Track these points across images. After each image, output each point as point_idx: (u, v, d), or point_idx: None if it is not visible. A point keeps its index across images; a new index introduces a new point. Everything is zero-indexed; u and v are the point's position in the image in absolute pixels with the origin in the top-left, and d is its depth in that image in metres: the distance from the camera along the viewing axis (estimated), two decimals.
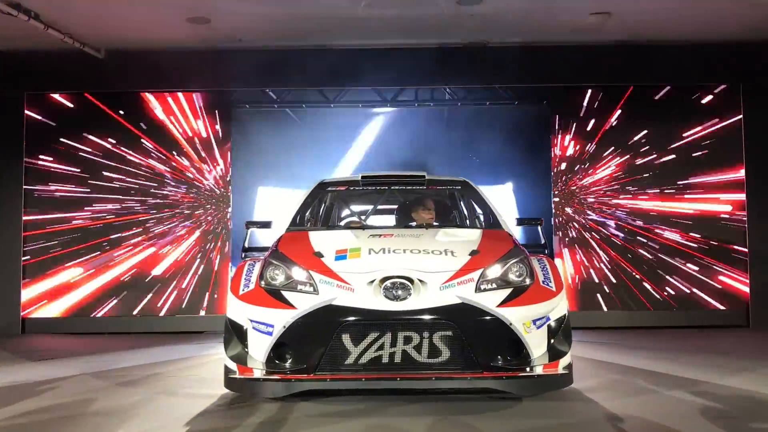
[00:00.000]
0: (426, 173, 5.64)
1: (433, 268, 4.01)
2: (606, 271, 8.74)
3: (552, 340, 3.97)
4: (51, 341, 7.89)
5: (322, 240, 4.55)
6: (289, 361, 3.89)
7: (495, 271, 4.07)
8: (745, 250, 8.61)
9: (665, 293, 8.67)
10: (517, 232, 5.84)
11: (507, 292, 3.96)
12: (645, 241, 8.74)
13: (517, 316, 3.83)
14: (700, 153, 8.72)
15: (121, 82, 8.86)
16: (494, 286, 3.99)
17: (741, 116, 8.71)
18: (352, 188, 5.74)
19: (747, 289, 8.59)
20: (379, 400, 4.10)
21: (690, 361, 5.92)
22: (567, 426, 3.66)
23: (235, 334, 4.05)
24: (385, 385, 3.82)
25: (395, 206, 6.01)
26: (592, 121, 8.85)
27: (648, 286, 8.69)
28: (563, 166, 8.79)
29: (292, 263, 4.16)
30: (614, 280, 8.70)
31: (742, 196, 8.68)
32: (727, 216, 8.70)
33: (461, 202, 5.82)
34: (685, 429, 3.53)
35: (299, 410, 3.92)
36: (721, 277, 8.67)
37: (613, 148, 8.81)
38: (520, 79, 8.96)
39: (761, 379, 5.03)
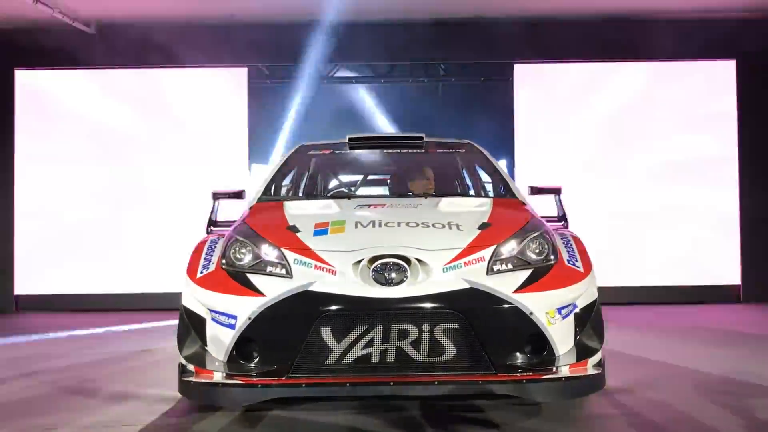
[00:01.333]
0: (425, 135, 4.86)
1: (435, 245, 3.23)
2: (596, 245, 8.65)
3: (579, 334, 3.22)
4: (45, 319, 7.84)
5: (299, 211, 3.82)
6: (256, 361, 3.09)
7: (510, 248, 3.27)
8: (737, 227, 8.64)
9: (657, 269, 8.65)
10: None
11: (526, 274, 3.19)
12: (636, 215, 8.69)
13: (539, 304, 3.09)
14: (694, 129, 8.70)
15: (111, 57, 8.75)
16: (510, 266, 3.21)
17: (735, 92, 8.72)
18: (337, 152, 4.96)
19: (738, 266, 8.63)
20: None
21: (683, 336, 5.89)
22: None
23: (192, 326, 3.28)
24: (374, 391, 3.01)
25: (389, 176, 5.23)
26: (584, 97, 8.81)
27: (638, 262, 8.67)
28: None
29: (260, 239, 3.36)
30: (604, 255, 8.64)
31: (735, 174, 8.67)
32: (720, 193, 8.67)
33: (465, 169, 5.07)
34: (681, 405, 3.48)
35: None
36: (712, 254, 8.67)
37: (607, 121, 8.76)
38: (518, 54, 8.90)
39: (755, 353, 5.02)
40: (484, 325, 3.00)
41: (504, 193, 4.31)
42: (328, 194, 4.95)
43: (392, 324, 2.99)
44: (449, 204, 3.93)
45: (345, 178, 5.46)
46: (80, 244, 8.67)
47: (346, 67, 9.31)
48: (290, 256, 3.21)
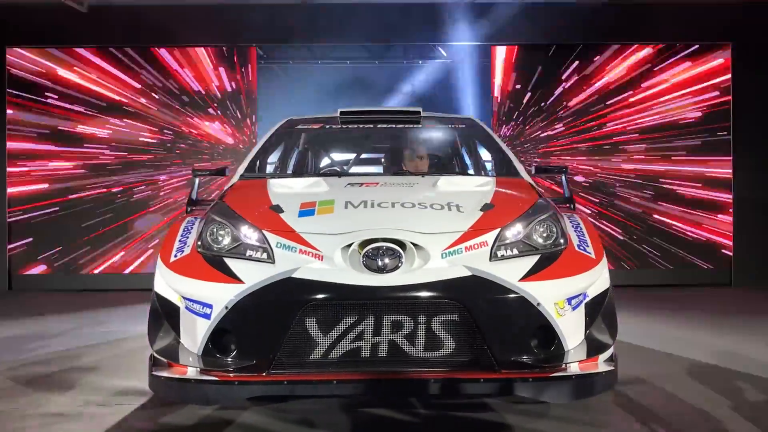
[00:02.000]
0: (422, 109, 4.55)
1: (433, 227, 2.94)
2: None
3: (590, 326, 2.94)
4: (40, 298, 7.82)
5: (284, 190, 3.52)
6: (233, 355, 2.78)
7: (516, 231, 2.98)
8: (730, 210, 8.60)
9: (648, 252, 8.62)
10: None
11: (533, 260, 2.90)
12: (629, 199, 8.66)
13: (547, 294, 2.80)
14: (687, 112, 8.63)
15: (103, 37, 8.63)
16: (515, 252, 2.91)
17: (730, 75, 8.63)
18: (327, 127, 4.65)
19: (730, 249, 8.60)
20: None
21: (674, 319, 5.89)
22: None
23: (165, 315, 2.97)
24: (363, 389, 2.74)
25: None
26: (578, 78, 8.73)
27: (631, 245, 8.64)
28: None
29: (240, 220, 3.05)
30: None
31: (729, 157, 8.62)
32: (713, 177, 8.62)
33: (465, 147, 4.75)
34: (676, 389, 3.50)
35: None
36: (705, 237, 8.64)
37: (600, 105, 8.67)
38: (514, 37, 8.79)
39: (748, 337, 5.03)
40: (486, 317, 2.71)
41: (507, 172, 3.98)
42: (318, 172, 4.63)
43: (384, 315, 2.70)
44: (448, 183, 3.60)
45: (336, 154, 5.07)
46: (77, 222, 8.57)
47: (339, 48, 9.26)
48: (272, 239, 2.91)
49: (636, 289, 8.17)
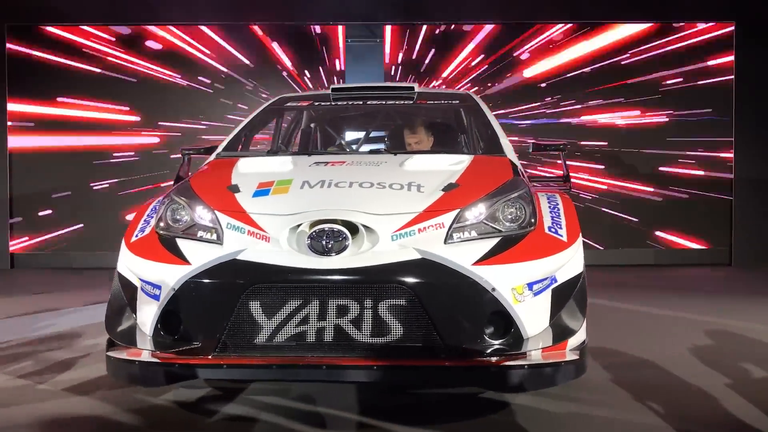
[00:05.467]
0: (417, 85, 4.38)
1: (386, 209, 2.79)
2: (584, 206, 8.47)
3: (558, 312, 2.77)
4: (41, 276, 7.81)
5: (248, 169, 3.39)
6: (181, 337, 2.72)
7: (477, 212, 2.83)
8: (730, 189, 8.45)
9: (647, 231, 8.47)
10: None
11: (492, 243, 2.74)
12: (627, 176, 8.50)
13: (503, 278, 2.64)
14: (688, 92, 8.44)
15: (107, 13, 8.50)
16: (474, 234, 2.77)
17: (733, 56, 8.44)
18: (317, 104, 4.54)
19: (730, 228, 8.45)
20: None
21: (674, 300, 5.81)
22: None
23: (124, 296, 2.92)
24: (304, 375, 2.62)
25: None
26: (571, 57, 8.58)
27: (629, 224, 8.48)
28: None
29: (197, 200, 2.97)
30: (593, 216, 8.47)
31: (730, 138, 8.43)
32: (713, 155, 8.45)
33: (458, 124, 4.58)
34: (674, 369, 3.47)
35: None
36: (704, 216, 8.47)
37: (600, 84, 8.49)
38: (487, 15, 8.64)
39: (748, 317, 4.96)
40: (435, 303, 2.57)
41: (492, 149, 3.76)
42: (310, 151, 4.48)
43: (330, 299, 2.58)
44: (419, 162, 3.47)
45: (326, 133, 4.88)
46: (81, 201, 8.54)
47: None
48: (224, 219, 2.83)
49: (636, 269, 8.19)
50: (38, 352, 3.98)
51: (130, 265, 2.92)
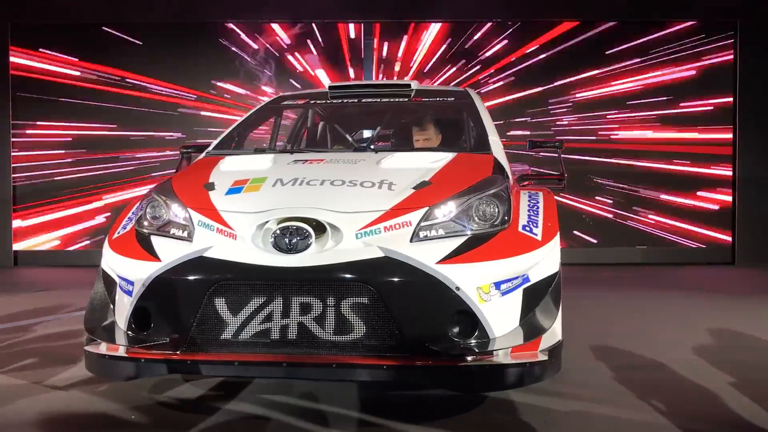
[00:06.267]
0: (414, 82, 4.37)
1: (353, 207, 2.77)
2: (585, 204, 8.53)
3: (530, 312, 2.74)
4: (44, 273, 7.83)
5: (229, 167, 3.38)
6: (151, 333, 2.75)
7: (446, 210, 2.79)
8: (733, 187, 8.45)
9: (649, 229, 8.47)
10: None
11: (459, 241, 2.70)
12: (629, 173, 8.47)
13: (467, 277, 2.60)
14: (688, 86, 8.44)
15: (108, 11, 8.53)
16: (441, 233, 2.73)
17: (732, 51, 8.44)
18: (314, 102, 4.53)
19: (732, 227, 8.44)
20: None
21: (677, 298, 5.80)
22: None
23: (107, 292, 3.00)
24: (265, 372, 2.66)
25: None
26: (573, 56, 8.58)
27: (631, 222, 8.48)
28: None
29: (173, 198, 3.00)
30: (595, 214, 8.52)
31: (729, 134, 8.42)
32: (715, 153, 8.43)
33: (460, 121, 4.48)
34: (678, 367, 3.45)
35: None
36: (707, 214, 8.47)
37: (602, 78, 8.51)
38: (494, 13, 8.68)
39: (752, 316, 4.96)
40: (398, 301, 2.55)
41: (479, 147, 3.71)
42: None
43: (293, 296, 2.58)
44: (397, 160, 3.40)
45: (333, 131, 4.86)
46: (82, 198, 8.56)
47: None
48: (195, 217, 2.85)
49: (639, 267, 8.18)
50: (42, 350, 3.98)
51: (109, 261, 2.97)
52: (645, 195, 8.57)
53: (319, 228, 2.67)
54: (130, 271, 2.81)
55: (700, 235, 8.56)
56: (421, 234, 2.71)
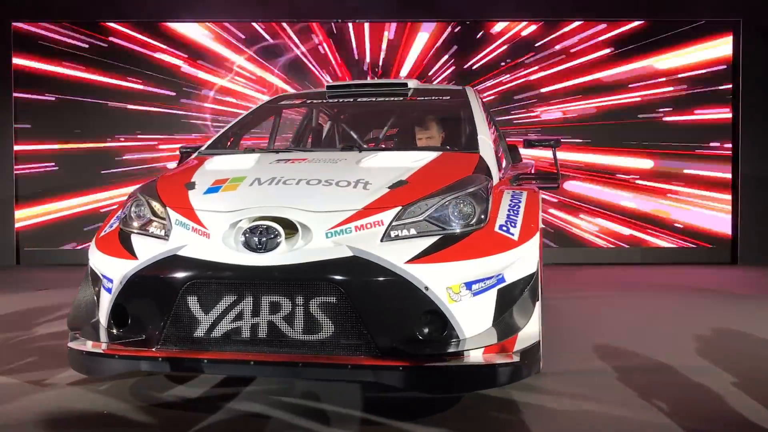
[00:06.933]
0: (410, 81, 4.38)
1: (325, 206, 2.76)
2: (588, 205, 8.51)
3: (505, 312, 2.70)
4: (46, 272, 7.82)
5: (213, 166, 3.39)
6: (128, 330, 2.79)
7: (420, 209, 2.77)
8: (734, 186, 8.43)
9: (649, 230, 8.46)
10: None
11: (430, 241, 2.67)
12: (630, 172, 8.48)
13: (436, 277, 2.58)
14: (687, 87, 8.44)
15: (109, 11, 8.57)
16: (413, 232, 2.71)
17: (731, 51, 8.43)
18: (311, 102, 4.58)
19: (734, 226, 8.43)
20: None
21: (679, 299, 5.78)
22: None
23: (93, 290, 3.05)
24: (234, 370, 2.69)
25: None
26: (576, 56, 8.57)
27: (633, 222, 8.47)
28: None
29: (155, 197, 3.04)
30: (597, 215, 8.51)
31: (729, 135, 8.43)
32: (717, 152, 8.43)
33: (452, 120, 4.39)
34: (680, 367, 3.44)
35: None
36: (708, 214, 8.46)
37: (598, 81, 8.51)
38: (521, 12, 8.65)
39: (754, 316, 4.95)
40: (366, 301, 2.54)
41: (467, 145, 3.66)
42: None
43: (263, 295, 2.60)
44: (380, 159, 3.38)
45: (339, 131, 4.86)
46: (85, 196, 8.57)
47: None
48: (173, 216, 2.88)
49: (640, 267, 8.16)
50: (44, 348, 3.98)
51: (94, 260, 3.03)
52: (646, 194, 8.53)
53: (292, 227, 2.68)
54: (110, 269, 2.86)
55: (701, 235, 8.54)
56: (392, 233, 2.69)
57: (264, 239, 2.65)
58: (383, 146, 4.45)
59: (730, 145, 8.52)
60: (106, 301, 2.86)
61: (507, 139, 4.52)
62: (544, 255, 5.55)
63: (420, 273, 2.57)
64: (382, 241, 2.67)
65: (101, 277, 2.93)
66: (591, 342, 4.05)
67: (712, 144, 8.53)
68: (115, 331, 2.80)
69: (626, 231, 8.58)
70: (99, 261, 2.97)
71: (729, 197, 8.52)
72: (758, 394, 3.00)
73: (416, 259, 2.60)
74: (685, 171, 8.54)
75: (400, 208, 2.75)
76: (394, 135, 4.65)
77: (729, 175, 8.53)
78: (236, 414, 2.81)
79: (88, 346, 2.78)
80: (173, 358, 2.64)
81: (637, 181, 8.56)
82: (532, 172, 4.55)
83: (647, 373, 3.40)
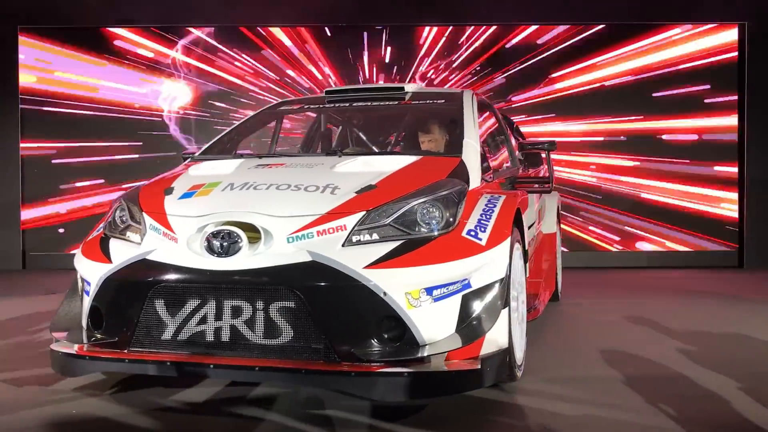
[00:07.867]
0: (409, 85, 4.37)
1: (288, 211, 2.77)
2: (593, 208, 8.52)
3: (469, 318, 2.68)
4: (53, 276, 7.83)
5: (195, 172, 3.42)
6: (103, 331, 2.87)
7: (385, 214, 2.75)
8: (741, 188, 8.41)
9: (656, 233, 8.46)
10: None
11: (392, 245, 2.67)
12: (634, 174, 8.47)
13: (395, 282, 2.58)
14: (692, 88, 8.45)
15: (117, 15, 8.57)
16: (376, 237, 2.69)
17: (737, 53, 8.42)
18: (309, 106, 4.63)
19: (740, 230, 8.40)
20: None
21: (685, 302, 5.77)
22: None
23: (78, 293, 3.17)
24: (195, 372, 2.70)
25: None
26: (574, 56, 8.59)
27: (636, 224, 8.49)
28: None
29: (135, 203, 3.08)
30: (601, 218, 8.51)
31: (736, 135, 8.41)
32: (723, 154, 8.42)
33: (451, 124, 4.29)
34: (686, 371, 3.42)
35: None
36: (715, 217, 8.44)
37: (604, 80, 8.53)
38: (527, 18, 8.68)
39: (761, 320, 4.92)
40: (323, 306, 2.57)
41: (451, 149, 3.65)
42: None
43: (225, 300, 2.64)
44: (354, 164, 3.35)
45: (343, 135, 4.89)
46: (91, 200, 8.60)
47: None
48: (148, 221, 2.94)
49: (646, 270, 8.13)
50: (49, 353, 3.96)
51: (78, 264, 3.12)
52: (651, 197, 8.50)
53: (257, 232, 2.72)
54: (90, 273, 2.96)
55: (708, 239, 8.50)
56: (354, 238, 2.70)
57: (225, 244, 2.69)
58: (376, 149, 4.43)
59: (741, 149, 8.49)
60: (86, 303, 2.97)
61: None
62: (564, 259, 5.67)
63: (378, 278, 2.58)
64: (343, 246, 2.67)
65: (83, 280, 3.03)
66: (594, 346, 4.03)
67: (719, 149, 8.52)
68: (92, 333, 2.91)
69: (631, 234, 8.52)
70: (82, 265, 3.06)
71: (736, 197, 8.49)
72: (764, 400, 2.98)
73: (375, 264, 2.60)
74: (691, 171, 8.54)
75: (364, 212, 2.76)
76: (403, 138, 4.63)
77: (735, 179, 8.48)
78: (241, 419, 2.80)
79: (70, 347, 2.86)
80: (139, 360, 2.70)
81: (642, 183, 8.51)
82: (531, 175, 4.55)
83: (652, 378, 3.39)
